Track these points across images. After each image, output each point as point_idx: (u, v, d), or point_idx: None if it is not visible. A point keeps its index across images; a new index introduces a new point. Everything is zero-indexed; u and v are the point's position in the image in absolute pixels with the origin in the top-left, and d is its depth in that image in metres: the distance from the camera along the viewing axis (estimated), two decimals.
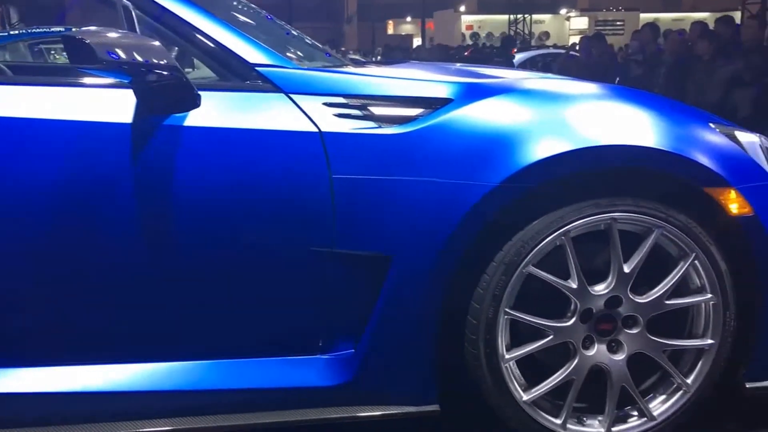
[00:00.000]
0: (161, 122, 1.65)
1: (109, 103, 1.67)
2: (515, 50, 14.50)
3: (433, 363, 1.79)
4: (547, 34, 23.62)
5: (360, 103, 1.75)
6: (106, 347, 1.74)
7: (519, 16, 23.27)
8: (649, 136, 1.78)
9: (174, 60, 1.63)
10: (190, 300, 1.73)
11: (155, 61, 1.58)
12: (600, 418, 1.87)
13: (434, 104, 1.76)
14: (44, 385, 1.69)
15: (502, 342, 1.78)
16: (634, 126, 1.80)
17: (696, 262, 1.81)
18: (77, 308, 1.71)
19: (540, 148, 1.71)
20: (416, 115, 1.74)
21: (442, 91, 1.79)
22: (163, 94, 1.62)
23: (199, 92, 1.65)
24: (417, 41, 26.24)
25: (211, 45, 1.75)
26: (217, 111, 1.69)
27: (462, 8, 26.66)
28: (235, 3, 2.28)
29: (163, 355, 1.74)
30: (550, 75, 2.70)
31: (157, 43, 1.62)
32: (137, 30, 1.67)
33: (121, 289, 1.70)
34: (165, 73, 1.59)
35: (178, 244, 1.68)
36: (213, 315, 1.75)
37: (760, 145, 1.96)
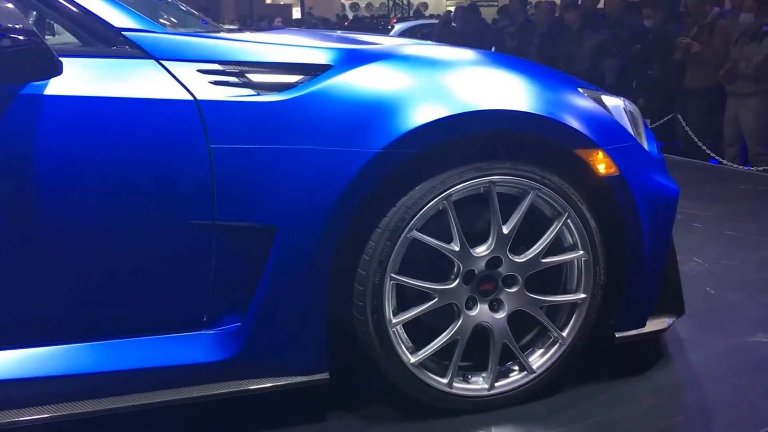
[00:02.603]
0: (18, 91, 1.53)
1: None
2: (394, 20, 14.57)
3: (321, 332, 1.78)
4: (425, 5, 23.83)
5: (237, 69, 1.69)
6: None
7: None
8: (523, 101, 1.83)
9: (30, 24, 1.51)
10: (65, 281, 1.63)
11: (9, 25, 1.46)
12: (484, 375, 1.94)
13: (313, 71, 1.73)
14: None
15: (388, 307, 1.81)
16: (509, 91, 1.85)
17: (569, 221, 1.90)
18: None
19: (420, 114, 1.72)
20: (295, 82, 1.71)
21: (321, 58, 1.76)
22: (19, 61, 1.50)
23: (61, 58, 1.55)
24: (296, 12, 25.79)
25: (73, 8, 1.63)
26: (81, 78, 1.58)
27: None
28: None
29: (40, 340, 1.65)
30: (427, 42, 2.72)
31: (10, 5, 1.49)
32: None
33: None
34: (21, 37, 1.47)
35: (45, 222, 1.57)
36: (91, 295, 1.66)
37: (624, 109, 2.07)
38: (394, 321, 1.82)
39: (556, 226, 1.89)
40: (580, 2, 7.50)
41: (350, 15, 22.41)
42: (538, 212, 1.91)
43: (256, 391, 1.76)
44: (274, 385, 1.77)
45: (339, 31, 3.37)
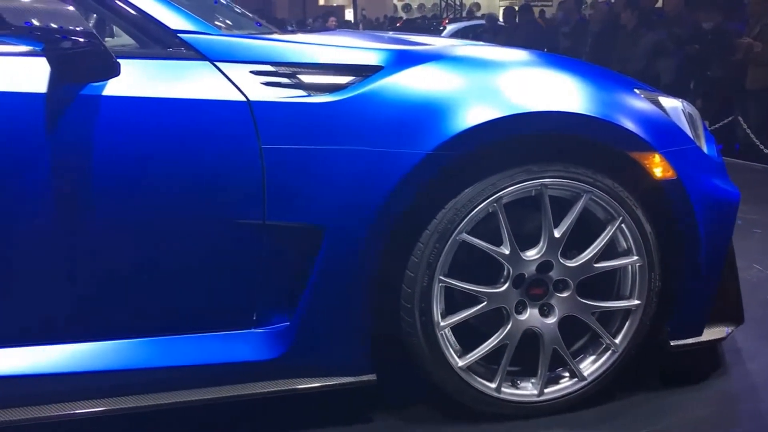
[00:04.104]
0: (78, 92, 1.57)
1: (20, 72, 1.57)
2: (446, 21, 14.52)
3: (369, 332, 1.78)
4: (477, 6, 23.69)
5: (289, 71, 1.70)
6: (36, 328, 1.67)
7: None
8: (576, 102, 1.80)
9: (90, 26, 1.55)
10: (120, 278, 1.67)
11: (70, 27, 1.49)
12: (533, 381, 1.91)
13: (365, 72, 1.73)
14: None
15: (437, 309, 1.79)
16: (562, 92, 1.82)
17: (623, 225, 1.86)
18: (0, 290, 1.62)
19: (471, 115, 1.71)
20: (346, 83, 1.71)
21: (373, 59, 1.76)
22: (79, 62, 1.54)
23: (119, 60, 1.58)
24: (348, 12, 25.94)
25: (131, 11, 1.66)
26: (138, 80, 1.61)
27: None
28: None
29: (95, 335, 1.68)
30: (479, 42, 2.70)
31: (71, 8, 1.53)
32: None
33: (43, 268, 1.63)
34: (81, 39, 1.51)
35: (101, 219, 1.61)
36: (144, 292, 1.69)
37: (683, 110, 2.02)
38: (442, 324, 1.81)
39: (610, 230, 1.85)
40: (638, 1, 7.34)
41: (403, 16, 22.44)
42: (591, 216, 1.87)
43: (303, 390, 1.77)
44: (321, 385, 1.78)
45: (390, 32, 3.37)
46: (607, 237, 1.86)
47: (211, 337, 1.74)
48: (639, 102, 1.91)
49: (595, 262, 1.87)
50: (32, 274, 1.63)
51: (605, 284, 1.94)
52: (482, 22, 12.51)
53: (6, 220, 1.58)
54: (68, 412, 1.65)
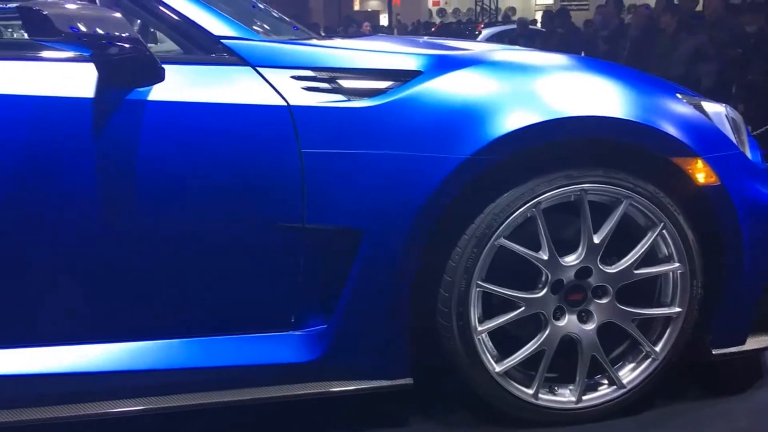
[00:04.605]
0: (124, 96, 1.60)
1: (69, 77, 1.61)
2: (481, 26, 14.47)
3: (405, 336, 1.78)
4: (513, 10, 23.55)
5: (328, 76, 1.72)
6: (78, 327, 1.70)
7: None
8: (618, 107, 1.78)
9: (136, 32, 1.59)
10: (160, 278, 1.70)
11: (116, 33, 1.53)
12: (571, 387, 1.89)
13: (403, 77, 1.74)
14: (17, 366, 1.65)
15: (474, 314, 1.79)
16: (603, 97, 1.80)
17: (664, 231, 1.83)
18: (46, 289, 1.67)
19: (510, 120, 1.70)
20: (385, 88, 1.72)
21: (412, 64, 1.77)
22: (126, 68, 1.58)
23: (163, 66, 1.61)
24: (384, 17, 26.01)
25: (175, 17, 1.70)
26: (181, 85, 1.64)
27: None
28: None
29: (134, 335, 1.71)
30: (517, 47, 2.70)
31: (118, 14, 1.57)
32: (97, 2, 1.61)
33: (86, 268, 1.66)
34: (127, 45, 1.54)
35: (143, 220, 1.64)
36: (184, 293, 1.72)
37: (726, 115, 1.98)
38: (479, 329, 1.80)
39: (651, 236, 1.83)
40: (678, 5, 7.23)
41: (437, 21, 22.43)
42: (632, 221, 1.85)
43: (339, 393, 1.78)
44: (357, 388, 1.79)
45: (425, 37, 3.38)
46: (648, 243, 1.83)
47: (249, 338, 1.76)
48: (681, 107, 1.89)
49: (635, 269, 1.85)
50: (78, 274, 1.67)
51: (645, 291, 1.91)
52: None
53: (56, 221, 1.62)
54: (108, 410, 1.68)
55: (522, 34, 10.31)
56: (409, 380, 1.81)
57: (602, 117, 1.76)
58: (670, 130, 1.80)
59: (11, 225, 1.61)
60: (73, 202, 1.61)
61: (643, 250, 1.84)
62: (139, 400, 1.70)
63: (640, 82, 1.95)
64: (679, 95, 1.93)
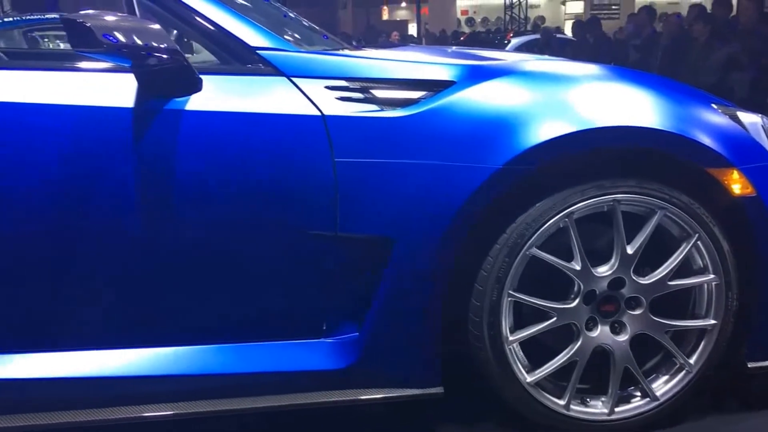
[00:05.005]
0: (162, 106, 1.64)
1: (109, 87, 1.65)
2: (511, 35, 14.43)
3: (436, 345, 1.79)
4: (542, 19, 23.47)
5: (362, 86, 1.73)
6: (111, 332, 1.74)
7: (514, 0, 23.13)
8: (652, 117, 1.77)
9: (174, 43, 1.62)
10: (194, 284, 1.72)
11: (155, 44, 1.57)
12: (603, 399, 1.88)
13: (436, 87, 1.75)
14: (48, 370, 1.68)
15: (505, 324, 1.79)
16: (637, 107, 1.80)
17: (699, 242, 1.81)
18: (80, 294, 1.70)
19: (543, 130, 1.70)
20: (418, 98, 1.73)
21: (445, 74, 1.78)
22: (164, 78, 1.61)
23: (201, 76, 1.64)
24: (412, 27, 26.08)
25: (212, 28, 1.73)
26: (218, 95, 1.67)
27: None
28: None
29: (167, 340, 1.74)
30: (550, 57, 2.69)
31: (157, 26, 1.60)
32: (137, 13, 1.65)
33: (125, 275, 1.70)
34: (166, 56, 1.58)
35: (181, 228, 1.67)
36: (217, 299, 1.74)
37: (762, 126, 1.96)
38: (511, 338, 1.80)
39: (685, 247, 1.81)
40: (711, 13, 7.16)
41: (465, 30, 22.43)
42: (665, 232, 1.84)
43: (371, 401, 1.78)
44: (388, 397, 1.79)
45: (454, 47, 3.39)
46: (682, 255, 1.82)
47: (282, 345, 1.78)
48: (716, 117, 1.87)
49: (669, 280, 1.84)
50: (117, 280, 1.70)
51: (680, 302, 1.90)
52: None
53: (95, 228, 1.65)
54: (141, 414, 1.70)
55: (547, 44, 10.26)
56: (439, 389, 1.81)
57: (636, 127, 1.75)
58: (706, 140, 1.78)
59: (51, 233, 1.64)
60: (114, 209, 1.64)
61: (677, 261, 1.82)
62: (172, 405, 1.72)
63: (675, 92, 1.94)
64: (714, 105, 1.92)
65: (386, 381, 1.80)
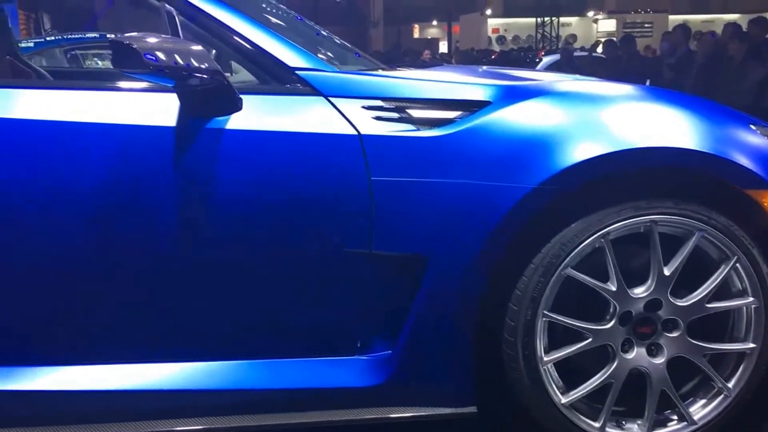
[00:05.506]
0: (204, 125, 1.67)
1: (153, 107, 1.69)
2: (542, 53, 14.41)
3: (470, 364, 1.79)
4: (574, 37, 23.42)
5: (398, 105, 1.75)
6: (148, 346, 1.77)
7: (546, 18, 23.11)
8: (689, 138, 1.77)
9: (216, 64, 1.66)
10: (231, 301, 1.75)
11: (197, 64, 1.60)
12: (639, 422, 1.86)
13: (472, 107, 1.76)
14: (82, 383, 1.72)
15: (540, 344, 1.78)
16: (674, 127, 1.79)
17: (737, 265, 1.79)
18: (121, 309, 1.73)
19: (578, 151, 1.71)
20: (454, 118, 1.75)
21: (480, 94, 1.79)
22: (206, 98, 1.65)
23: (241, 95, 1.68)
24: (443, 45, 26.19)
25: (252, 49, 1.76)
26: (257, 114, 1.70)
27: (488, 11, 26.56)
28: (264, 5, 2.30)
29: (202, 354, 1.76)
30: (585, 77, 2.69)
31: (199, 47, 1.64)
32: (180, 34, 1.69)
33: (164, 290, 1.73)
34: (207, 76, 1.61)
35: (220, 245, 1.70)
36: (253, 315, 1.77)
37: None
38: (545, 359, 1.79)
39: (724, 269, 1.79)
40: (746, 32, 7.08)
41: (496, 48, 22.45)
42: (703, 254, 1.82)
43: (403, 419, 1.78)
44: (421, 415, 1.79)
45: (486, 66, 3.39)
46: (721, 277, 1.80)
47: (316, 361, 1.79)
48: (755, 138, 1.85)
49: (708, 302, 1.82)
50: (156, 297, 1.73)
51: (718, 325, 1.87)
52: (579, 54, 12.34)
53: (138, 246, 1.69)
54: (173, 428, 1.73)
55: (567, 64, 10.20)
56: (472, 408, 1.81)
57: (673, 148, 1.74)
58: (744, 161, 1.77)
59: (95, 249, 1.68)
60: (156, 225, 1.68)
61: (715, 283, 1.80)
62: (205, 420, 1.74)
63: (713, 113, 1.93)
64: (753, 126, 1.90)
65: (419, 399, 1.80)
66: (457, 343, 1.76)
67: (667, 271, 1.78)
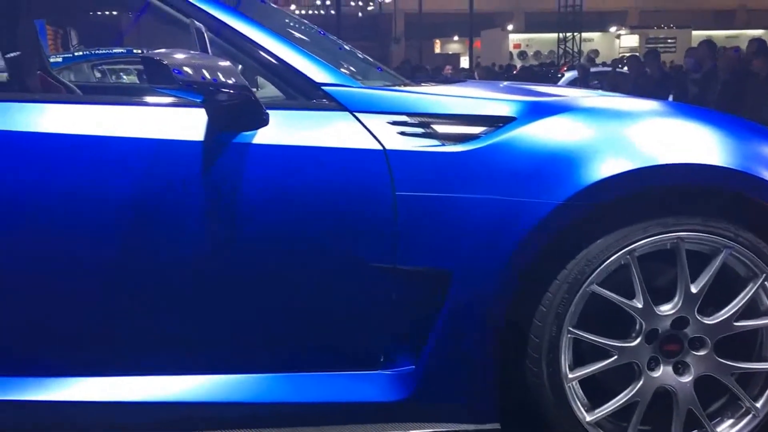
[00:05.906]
0: (232, 140, 1.69)
1: (181, 121, 1.72)
2: (565, 68, 14.39)
3: (493, 380, 1.78)
4: (596, 52, 23.37)
5: (423, 121, 1.76)
6: (173, 359, 1.78)
7: (568, 34, 23.08)
8: (716, 154, 1.75)
9: (243, 79, 1.68)
10: (256, 314, 1.76)
11: (225, 80, 1.62)
12: None
13: (497, 122, 1.76)
14: (110, 394, 1.73)
15: (565, 361, 1.77)
16: (700, 144, 1.78)
17: (766, 283, 1.77)
18: (148, 321, 1.75)
19: (604, 167, 1.70)
20: (479, 133, 1.75)
21: (505, 110, 1.79)
22: (233, 113, 1.67)
23: (268, 111, 1.69)
24: (464, 60, 26.25)
25: (279, 65, 1.78)
26: (284, 129, 1.72)
27: (509, 27, 26.63)
28: (289, 20, 2.33)
29: (226, 368, 1.77)
30: (610, 92, 2.68)
31: (227, 62, 1.66)
32: (209, 51, 1.71)
33: (190, 304, 1.74)
34: (234, 92, 1.63)
35: (246, 259, 1.71)
36: (277, 328, 1.77)
37: None
38: (570, 376, 1.78)
39: (752, 287, 1.77)
40: None
41: (517, 63, 22.47)
42: (731, 271, 1.80)
43: None
44: (444, 431, 1.78)
45: (508, 82, 3.39)
46: (749, 295, 1.78)
47: (339, 375, 1.79)
48: None
49: (735, 321, 1.79)
50: (181, 310, 1.75)
51: (746, 344, 1.85)
52: (602, 69, 12.32)
53: (164, 259, 1.71)
54: None
55: (584, 80, 10.17)
56: (496, 425, 1.79)
57: (700, 165, 1.73)
58: None
59: (123, 262, 1.70)
60: (183, 239, 1.70)
61: (743, 301, 1.78)
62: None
63: (739, 129, 1.91)
64: None
65: (441, 415, 1.79)
66: (480, 358, 1.76)
67: (694, 289, 1.76)
